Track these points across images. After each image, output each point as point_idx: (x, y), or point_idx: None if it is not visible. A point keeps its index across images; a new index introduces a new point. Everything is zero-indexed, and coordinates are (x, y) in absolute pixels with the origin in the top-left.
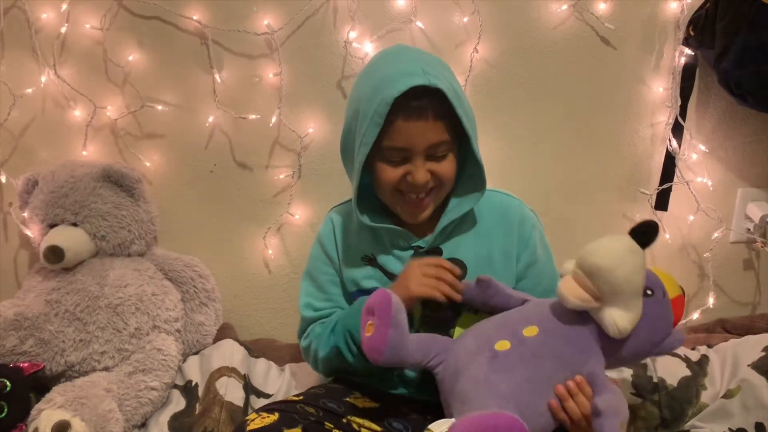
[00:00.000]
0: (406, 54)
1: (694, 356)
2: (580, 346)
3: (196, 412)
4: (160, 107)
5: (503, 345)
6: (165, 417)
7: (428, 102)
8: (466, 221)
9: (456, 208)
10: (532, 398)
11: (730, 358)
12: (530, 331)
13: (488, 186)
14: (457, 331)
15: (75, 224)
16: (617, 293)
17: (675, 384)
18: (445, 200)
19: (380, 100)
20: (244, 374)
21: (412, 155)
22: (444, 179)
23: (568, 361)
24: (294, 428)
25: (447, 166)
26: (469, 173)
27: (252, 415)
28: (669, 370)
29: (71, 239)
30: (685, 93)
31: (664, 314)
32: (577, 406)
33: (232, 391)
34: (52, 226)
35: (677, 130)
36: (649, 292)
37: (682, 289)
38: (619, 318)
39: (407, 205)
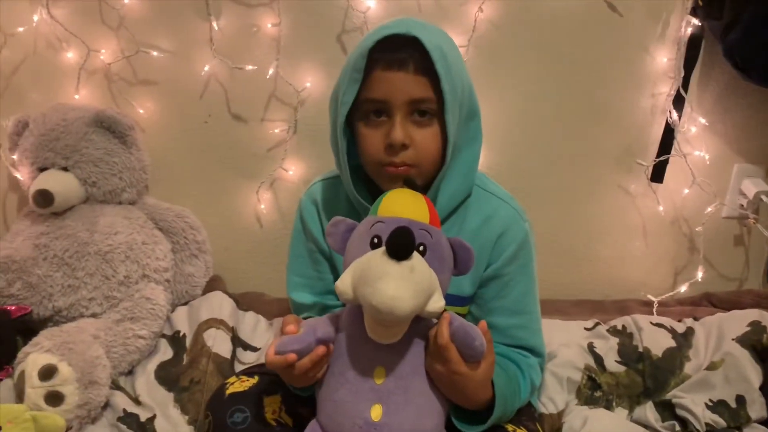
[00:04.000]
0: (401, 18)
1: (680, 328)
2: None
3: (184, 363)
4: (155, 53)
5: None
6: (152, 366)
7: (410, 54)
8: (454, 219)
9: (447, 201)
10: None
11: (715, 331)
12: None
13: (486, 159)
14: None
15: (65, 169)
16: (422, 300)
17: (660, 354)
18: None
19: (358, 54)
20: (232, 327)
21: (392, 110)
22: (422, 149)
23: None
24: (273, 396)
25: (429, 135)
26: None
27: (232, 378)
28: (654, 340)
29: (61, 184)
30: (688, 64)
31: (442, 249)
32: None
33: (219, 343)
34: (42, 169)
35: (678, 101)
36: (421, 248)
37: (410, 189)
38: (434, 305)
39: (391, 182)
